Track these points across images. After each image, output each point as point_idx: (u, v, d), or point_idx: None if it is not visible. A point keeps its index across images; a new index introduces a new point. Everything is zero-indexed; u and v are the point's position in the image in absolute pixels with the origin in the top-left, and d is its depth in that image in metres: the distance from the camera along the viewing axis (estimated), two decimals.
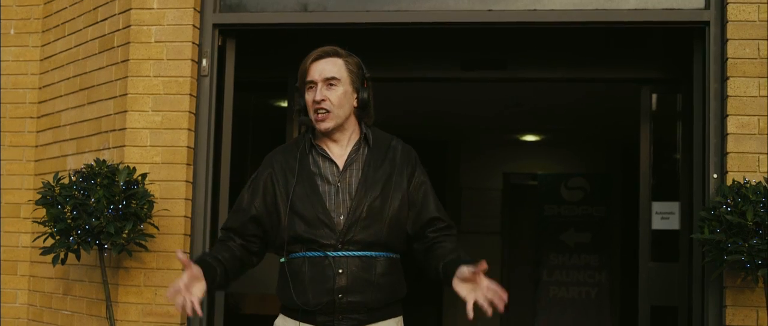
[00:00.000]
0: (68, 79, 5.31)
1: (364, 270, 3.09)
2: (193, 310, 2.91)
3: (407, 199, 3.20)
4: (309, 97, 3.19)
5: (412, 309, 3.32)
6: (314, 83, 3.17)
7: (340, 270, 3.07)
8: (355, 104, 3.22)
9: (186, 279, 2.96)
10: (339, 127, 3.19)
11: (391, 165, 3.20)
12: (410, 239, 3.24)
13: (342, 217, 3.10)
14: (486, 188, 10.81)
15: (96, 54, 5.08)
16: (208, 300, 4.78)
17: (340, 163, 3.18)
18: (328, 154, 3.19)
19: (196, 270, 3.01)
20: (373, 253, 3.11)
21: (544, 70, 6.15)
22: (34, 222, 4.93)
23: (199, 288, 3.00)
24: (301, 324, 3.14)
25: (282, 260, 3.19)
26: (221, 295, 4.87)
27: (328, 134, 3.19)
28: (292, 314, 3.17)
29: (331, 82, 3.16)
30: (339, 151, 3.21)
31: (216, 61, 4.86)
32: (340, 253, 3.07)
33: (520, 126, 10.00)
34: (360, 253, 3.09)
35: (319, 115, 3.15)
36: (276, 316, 3.26)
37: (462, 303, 2.91)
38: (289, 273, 3.13)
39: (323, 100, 3.14)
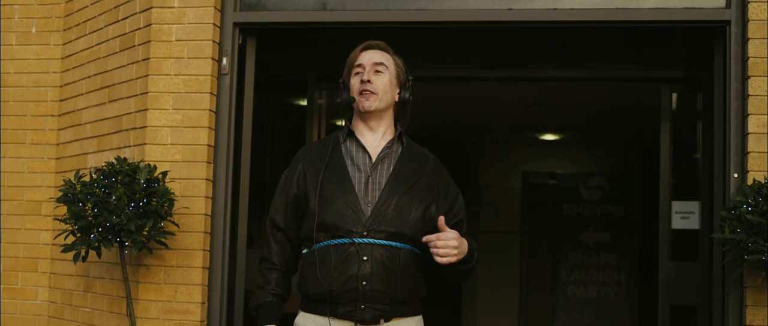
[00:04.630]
0: (89, 77, 5.34)
1: (388, 259, 3.12)
2: None
3: (435, 206, 3.24)
4: (355, 80, 3.29)
5: (430, 310, 3.33)
6: (362, 68, 3.29)
7: (365, 258, 3.10)
8: (396, 99, 3.32)
9: None
10: (378, 113, 3.28)
11: (421, 171, 3.28)
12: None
13: (369, 206, 3.15)
14: (505, 187, 10.79)
15: (117, 52, 5.10)
16: (228, 300, 4.79)
17: (373, 155, 3.24)
18: (362, 143, 3.26)
19: None
20: (397, 244, 3.15)
21: (563, 69, 6.15)
22: (55, 219, 4.95)
23: None
24: (323, 318, 3.15)
25: (304, 251, 3.23)
26: (241, 296, 4.88)
27: (367, 119, 3.27)
28: (312, 308, 3.19)
29: (379, 69, 3.28)
30: (373, 142, 3.28)
31: (236, 60, 4.87)
32: (365, 240, 3.10)
33: (540, 125, 9.98)
34: (385, 242, 3.13)
35: (364, 95, 3.25)
36: (296, 315, 3.28)
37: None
38: (313, 262, 3.15)
39: (370, 81, 3.25)
